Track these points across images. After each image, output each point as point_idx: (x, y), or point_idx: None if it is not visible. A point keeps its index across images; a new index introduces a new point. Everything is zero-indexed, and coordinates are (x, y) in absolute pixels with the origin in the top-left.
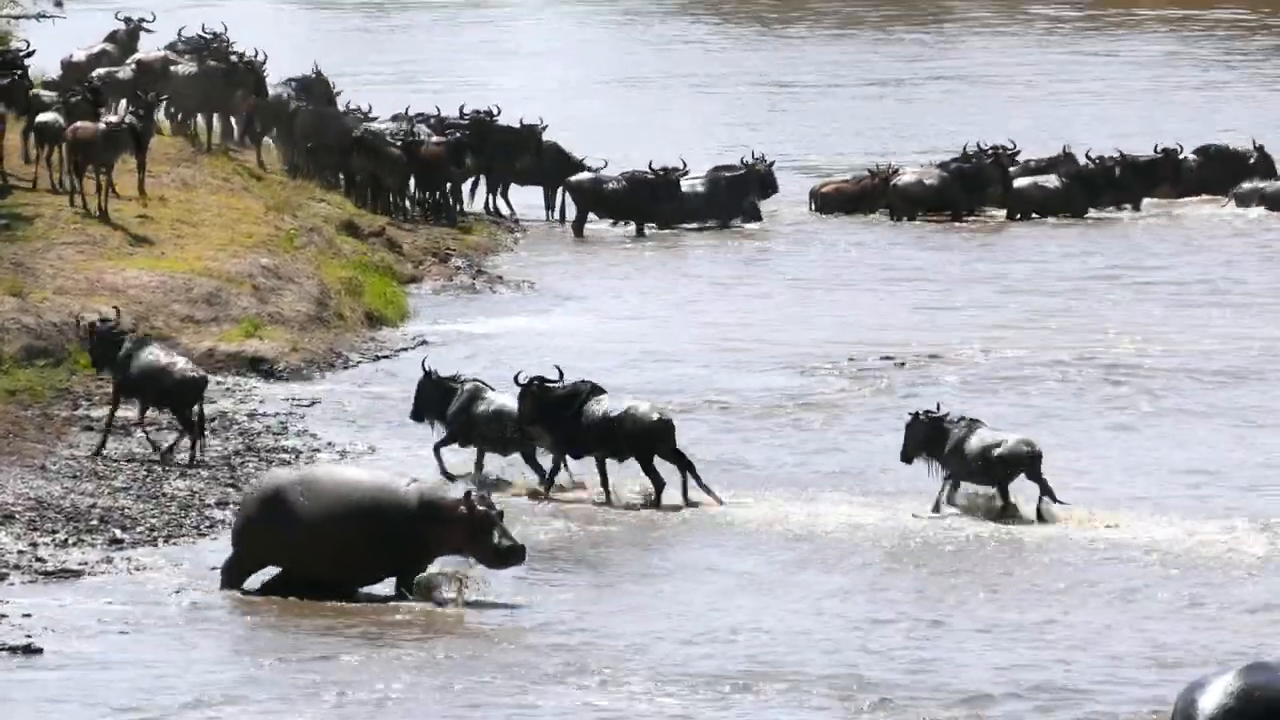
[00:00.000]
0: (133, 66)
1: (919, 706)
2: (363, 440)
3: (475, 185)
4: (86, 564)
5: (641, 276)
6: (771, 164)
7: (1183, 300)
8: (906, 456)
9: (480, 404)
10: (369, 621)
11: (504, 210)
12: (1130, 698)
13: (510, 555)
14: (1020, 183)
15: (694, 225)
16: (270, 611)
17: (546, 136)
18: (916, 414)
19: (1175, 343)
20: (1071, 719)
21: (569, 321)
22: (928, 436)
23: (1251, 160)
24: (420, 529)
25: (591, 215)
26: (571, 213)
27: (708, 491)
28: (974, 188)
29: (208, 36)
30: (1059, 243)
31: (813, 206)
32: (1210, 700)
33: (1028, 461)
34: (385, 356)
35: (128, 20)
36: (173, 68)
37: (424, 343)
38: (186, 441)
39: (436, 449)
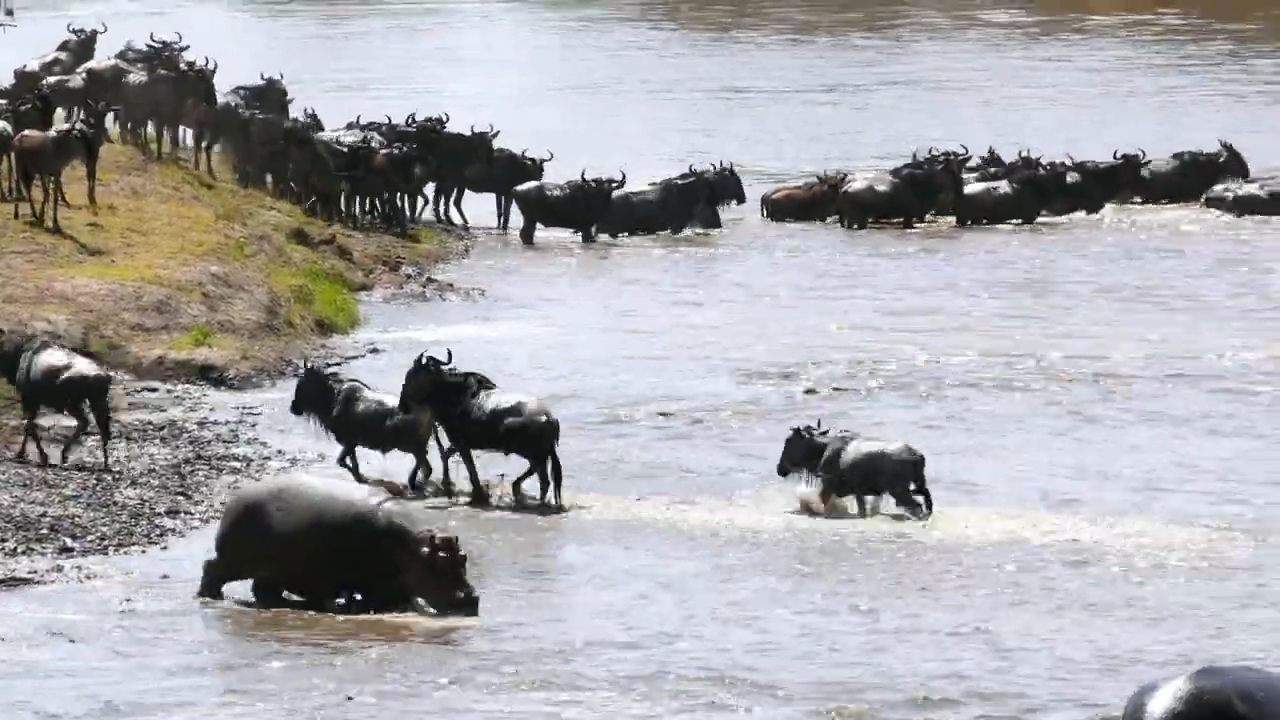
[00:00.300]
0: (83, 75)
1: (867, 714)
2: (313, 448)
3: (439, 194)
4: (36, 573)
5: (591, 285)
6: (729, 170)
7: (1127, 306)
8: (783, 469)
9: (359, 404)
10: (323, 631)
11: (455, 218)
12: (1073, 698)
13: (462, 607)
14: (972, 189)
15: (647, 233)
16: (223, 620)
17: (498, 144)
18: (798, 430)
19: (1119, 348)
20: None
21: (518, 329)
22: (806, 452)
23: (1222, 160)
24: (385, 548)
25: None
26: (516, 220)
27: (557, 499)
28: (926, 194)
29: (158, 45)
30: (1010, 249)
31: (765, 213)
32: (1159, 704)
33: (912, 469)
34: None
35: (79, 31)
36: (124, 77)
37: (375, 350)
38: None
39: (340, 459)
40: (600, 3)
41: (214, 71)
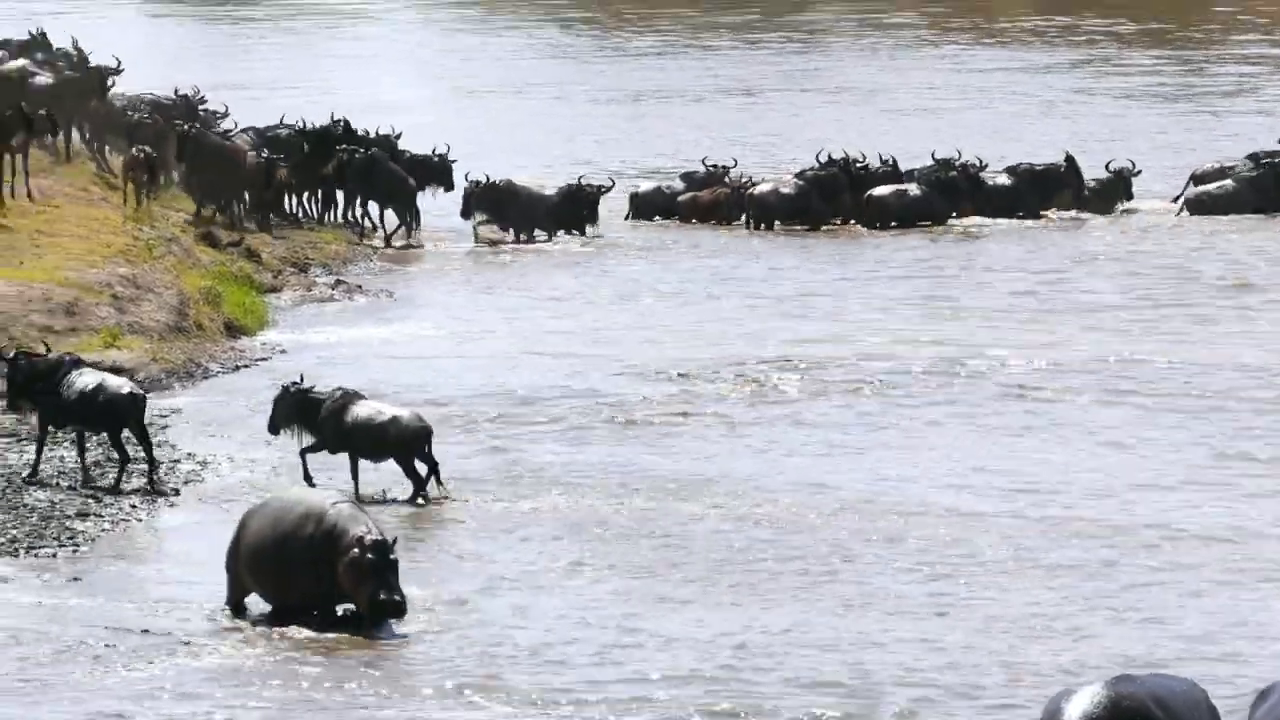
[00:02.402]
0: None
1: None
2: (222, 450)
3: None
4: None
5: (499, 287)
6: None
7: (1029, 308)
8: (273, 428)
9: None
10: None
11: (364, 221)
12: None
13: (383, 610)
14: (879, 191)
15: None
16: (131, 624)
17: (403, 146)
18: (287, 386)
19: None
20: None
21: (425, 330)
22: (298, 409)
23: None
24: (323, 557)
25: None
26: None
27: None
28: (830, 196)
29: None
30: (916, 252)
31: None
32: (1077, 709)
33: (422, 438)
34: (244, 366)
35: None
36: (31, 78)
37: (283, 352)
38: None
39: None
40: (499, 7)
41: (119, 71)
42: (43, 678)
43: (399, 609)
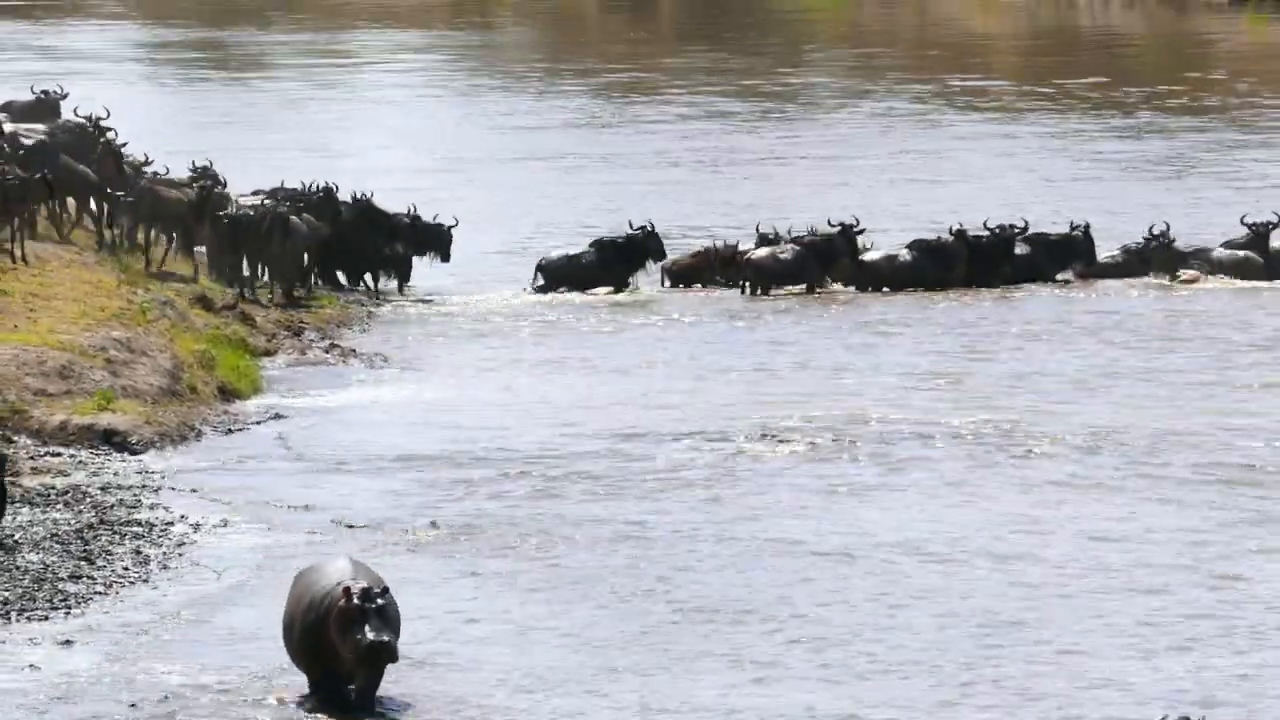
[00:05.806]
0: None
1: None
2: (215, 514)
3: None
4: None
5: (495, 351)
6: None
7: (992, 380)
8: None
9: None
10: None
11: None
12: None
13: (371, 653)
14: (871, 256)
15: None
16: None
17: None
18: None
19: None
20: None
21: (421, 394)
22: None
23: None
24: (326, 624)
25: None
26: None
27: None
28: (826, 261)
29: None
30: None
31: (664, 282)
32: None
33: None
34: (238, 430)
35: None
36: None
37: (277, 416)
38: None
39: None
40: (490, 77)
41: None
42: None
43: (389, 650)
